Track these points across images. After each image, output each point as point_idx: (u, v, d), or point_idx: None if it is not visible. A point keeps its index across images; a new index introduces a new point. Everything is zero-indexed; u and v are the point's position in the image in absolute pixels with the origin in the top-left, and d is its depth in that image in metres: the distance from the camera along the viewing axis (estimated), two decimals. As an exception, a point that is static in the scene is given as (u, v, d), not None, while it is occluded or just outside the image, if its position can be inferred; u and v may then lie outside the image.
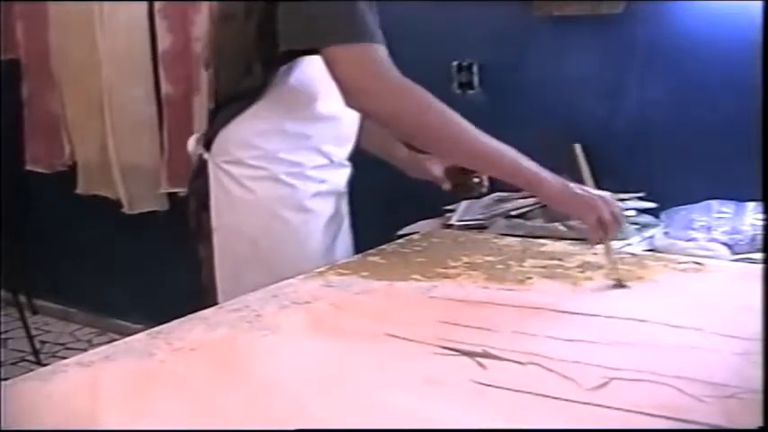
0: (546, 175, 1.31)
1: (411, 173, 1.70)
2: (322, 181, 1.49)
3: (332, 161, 1.50)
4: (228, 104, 1.44)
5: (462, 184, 1.61)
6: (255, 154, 1.42)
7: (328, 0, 1.27)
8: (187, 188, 1.60)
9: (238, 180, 1.43)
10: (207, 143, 1.48)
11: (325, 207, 1.50)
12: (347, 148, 1.55)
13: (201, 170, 1.49)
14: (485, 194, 1.65)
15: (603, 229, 1.29)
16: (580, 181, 1.42)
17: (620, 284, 1.22)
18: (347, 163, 1.57)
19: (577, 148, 1.51)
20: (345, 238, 1.57)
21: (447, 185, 1.64)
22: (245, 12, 1.36)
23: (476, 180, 1.59)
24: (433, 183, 1.68)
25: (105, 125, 2.86)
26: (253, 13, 1.34)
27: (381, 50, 1.29)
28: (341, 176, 1.55)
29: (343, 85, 1.29)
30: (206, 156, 1.48)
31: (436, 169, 1.64)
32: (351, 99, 1.30)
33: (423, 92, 1.30)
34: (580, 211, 1.32)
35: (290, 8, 1.29)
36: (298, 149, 1.44)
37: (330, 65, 1.28)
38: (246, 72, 1.38)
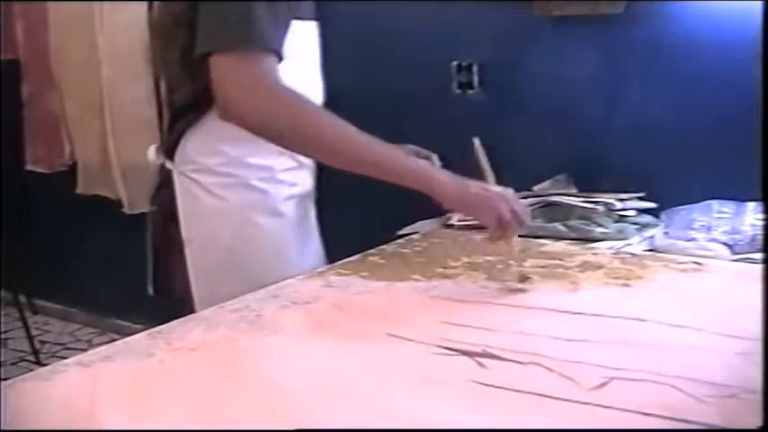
0: (439, 174, 1.28)
1: None
2: (293, 184, 1.46)
3: (300, 163, 1.48)
4: (185, 113, 1.40)
5: None
6: (223, 160, 1.38)
7: (226, 5, 1.24)
8: (150, 201, 1.53)
9: (208, 188, 1.39)
10: (169, 152, 1.43)
11: (296, 210, 1.48)
12: None
13: (166, 181, 1.44)
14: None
15: (504, 228, 1.27)
16: (481, 177, 1.39)
17: (523, 281, 1.23)
18: (312, 164, 1.54)
19: (476, 141, 1.47)
20: (315, 240, 1.56)
21: None
22: (175, 21, 1.33)
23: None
24: None
25: (105, 125, 2.87)
26: (182, 22, 1.30)
27: (264, 59, 1.24)
28: (308, 178, 1.53)
29: (216, 94, 1.24)
30: (169, 165, 1.43)
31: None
32: (221, 110, 1.26)
33: (302, 102, 1.26)
34: (477, 210, 1.30)
35: (200, 14, 1.26)
36: (265, 153, 1.40)
37: (212, 72, 1.23)
38: (192, 81, 1.33)
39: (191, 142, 1.40)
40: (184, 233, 1.42)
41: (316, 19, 1.46)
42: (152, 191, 1.51)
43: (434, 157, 1.54)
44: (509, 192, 1.33)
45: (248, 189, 1.41)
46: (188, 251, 1.42)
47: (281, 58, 1.27)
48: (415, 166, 1.29)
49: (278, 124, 1.26)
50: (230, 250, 1.40)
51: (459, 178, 1.30)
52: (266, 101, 1.24)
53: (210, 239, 1.41)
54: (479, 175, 1.40)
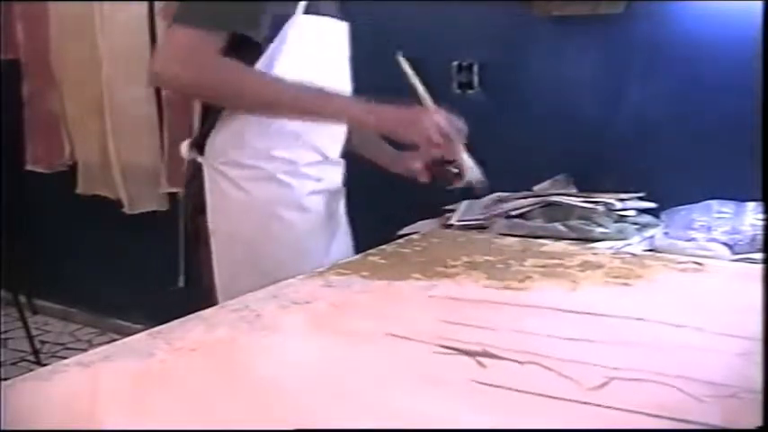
0: (356, 107, 1.34)
1: (395, 168, 1.70)
2: (318, 179, 1.48)
3: (326, 157, 1.49)
4: (214, 107, 1.44)
5: (440, 175, 1.59)
6: (249, 153, 1.42)
7: None
8: (182, 193, 1.59)
9: (235, 181, 1.42)
10: (199, 146, 1.47)
11: (321, 205, 1.49)
12: (339, 145, 1.54)
13: (196, 174, 1.48)
14: (464, 185, 1.62)
15: (436, 147, 1.31)
16: (415, 95, 1.43)
17: (472, 186, 1.25)
18: (341, 160, 1.56)
19: (402, 60, 1.48)
20: (344, 238, 1.57)
21: (424, 178, 1.63)
22: None
23: (454, 171, 1.57)
24: (416, 179, 1.67)
25: (105, 125, 2.87)
26: None
27: (200, 35, 1.30)
28: (336, 174, 1.55)
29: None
30: (200, 159, 1.47)
31: (416, 163, 1.63)
32: (149, 74, 1.35)
33: (225, 61, 1.31)
34: (402, 130, 1.33)
35: None
36: (290, 146, 1.44)
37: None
38: None
39: (219, 135, 1.43)
40: (211, 224, 1.46)
41: (340, 18, 1.48)
42: (184, 183, 1.56)
43: (465, 155, 1.55)
44: (434, 110, 1.35)
45: (272, 182, 1.43)
46: (213, 242, 1.45)
47: (256, 41, 1.34)
48: (336, 104, 1.34)
49: (200, 81, 1.32)
50: (253, 243, 1.43)
51: (378, 105, 1.34)
52: (193, 65, 1.30)
53: (234, 231, 1.44)
54: (416, 97, 1.42)
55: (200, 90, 1.38)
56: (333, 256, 1.48)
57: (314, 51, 1.41)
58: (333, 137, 1.51)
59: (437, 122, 1.31)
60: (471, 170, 1.31)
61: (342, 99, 1.36)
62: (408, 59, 1.47)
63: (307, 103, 1.34)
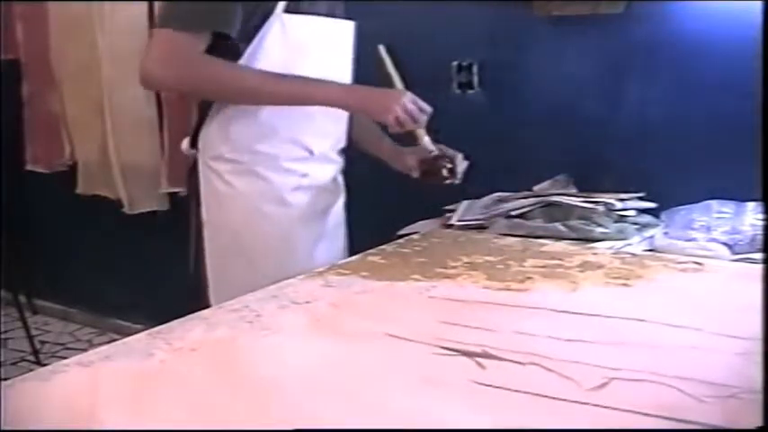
0: (332, 85, 1.41)
1: (394, 164, 1.71)
2: (303, 175, 1.49)
3: (311, 153, 1.50)
4: (204, 103, 1.48)
5: (431, 172, 1.60)
6: (232, 147, 1.45)
7: None
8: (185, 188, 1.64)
9: (221, 176, 1.46)
10: (194, 141, 1.50)
11: (305, 201, 1.50)
12: (330, 142, 1.55)
13: (193, 169, 1.51)
14: (455, 183, 1.63)
15: (401, 125, 1.41)
16: (389, 82, 1.51)
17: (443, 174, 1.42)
18: (335, 158, 1.57)
19: (382, 50, 1.56)
20: (336, 237, 1.57)
21: (416, 173, 1.64)
22: None
23: (448, 166, 1.58)
24: (411, 174, 1.68)
25: (105, 125, 2.87)
26: None
27: (180, 37, 1.35)
28: (325, 171, 1.55)
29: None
30: (196, 154, 1.50)
31: (410, 159, 1.64)
32: (140, 77, 1.41)
33: (206, 59, 1.37)
34: (372, 109, 1.43)
35: None
36: (272, 141, 1.45)
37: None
38: None
39: (208, 130, 1.47)
40: (204, 217, 1.48)
41: (339, 17, 1.50)
42: (186, 178, 1.61)
43: (459, 156, 1.56)
44: (403, 92, 1.45)
45: (254, 176, 1.45)
46: (206, 235, 1.48)
47: (228, 37, 1.38)
48: (315, 87, 1.40)
49: (183, 79, 1.39)
50: (237, 236, 1.46)
51: (353, 87, 1.46)
52: (175, 66, 1.37)
53: (222, 223, 1.48)
54: (389, 84, 1.51)
55: (184, 87, 1.45)
56: (320, 254, 1.49)
57: (297, 50, 1.42)
58: (321, 133, 1.52)
59: (405, 104, 1.40)
60: (426, 143, 1.50)
61: (320, 82, 1.41)
62: (389, 51, 1.57)
63: (288, 88, 1.39)
